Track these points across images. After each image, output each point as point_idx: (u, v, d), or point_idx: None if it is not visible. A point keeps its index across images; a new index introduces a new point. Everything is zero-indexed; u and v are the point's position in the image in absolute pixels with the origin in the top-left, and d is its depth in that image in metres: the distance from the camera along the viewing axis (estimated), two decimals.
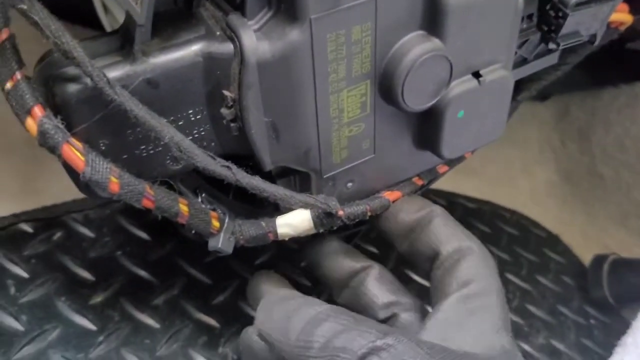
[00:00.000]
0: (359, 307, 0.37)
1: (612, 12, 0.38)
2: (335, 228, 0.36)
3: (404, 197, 0.39)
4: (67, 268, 0.48)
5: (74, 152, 0.28)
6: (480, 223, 0.74)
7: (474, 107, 0.35)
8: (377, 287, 0.37)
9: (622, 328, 0.54)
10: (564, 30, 0.36)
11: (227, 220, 0.35)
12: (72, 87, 0.28)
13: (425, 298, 0.37)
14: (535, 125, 0.87)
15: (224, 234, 0.34)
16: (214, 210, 0.35)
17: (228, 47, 0.29)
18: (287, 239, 0.36)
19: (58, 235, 0.51)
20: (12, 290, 0.46)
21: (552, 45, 0.37)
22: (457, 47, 0.32)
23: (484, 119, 0.36)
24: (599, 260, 0.73)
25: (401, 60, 0.32)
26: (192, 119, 0.31)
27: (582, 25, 0.36)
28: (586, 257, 0.77)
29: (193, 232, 0.34)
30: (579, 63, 0.45)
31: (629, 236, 0.79)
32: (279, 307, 0.33)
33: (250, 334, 0.34)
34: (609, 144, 0.80)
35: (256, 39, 0.29)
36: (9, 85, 0.27)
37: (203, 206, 0.34)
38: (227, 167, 0.31)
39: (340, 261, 0.38)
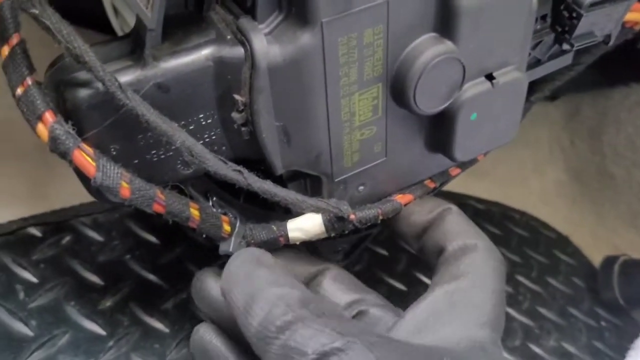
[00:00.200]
0: None
1: (626, 12, 0.37)
2: (347, 232, 0.36)
3: (417, 200, 0.38)
4: (76, 272, 0.48)
5: (85, 157, 0.27)
6: (490, 224, 0.74)
7: (487, 109, 0.35)
8: (335, 287, 0.35)
9: (633, 330, 0.54)
10: (578, 31, 0.35)
11: (238, 224, 0.34)
12: (83, 93, 0.27)
13: None
14: (546, 125, 0.86)
15: (235, 238, 0.34)
16: (224, 214, 0.34)
17: (239, 51, 0.29)
18: (298, 243, 0.36)
19: (67, 239, 0.51)
20: (22, 295, 0.46)
21: (566, 46, 0.37)
22: (470, 49, 0.32)
23: (497, 121, 0.36)
24: (609, 261, 0.73)
25: (413, 63, 0.31)
26: (203, 123, 0.31)
27: (597, 25, 0.36)
28: (596, 258, 0.76)
29: (204, 236, 0.34)
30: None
31: (639, 237, 0.78)
32: (245, 281, 0.29)
33: (202, 333, 0.33)
34: (619, 143, 0.79)
35: (267, 43, 0.29)
36: (19, 90, 0.27)
37: (214, 210, 0.34)
38: (239, 171, 0.30)
39: (293, 268, 0.36)
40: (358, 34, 0.30)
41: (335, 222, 0.35)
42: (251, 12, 0.29)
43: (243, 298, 0.28)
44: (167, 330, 0.47)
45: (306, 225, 0.35)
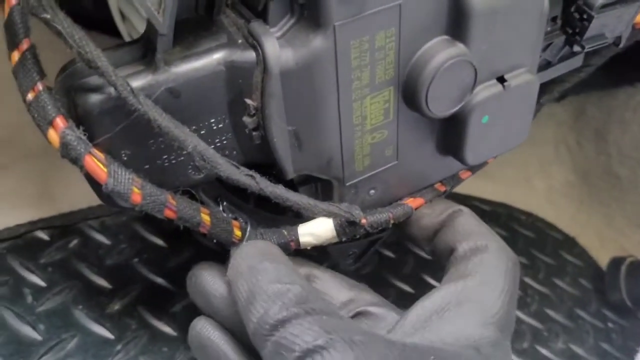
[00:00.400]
0: None
1: (637, 13, 0.37)
2: (358, 236, 0.36)
3: (427, 203, 0.38)
4: (84, 276, 0.48)
5: (97, 163, 0.27)
6: (496, 226, 0.73)
7: (499, 112, 0.34)
8: (329, 286, 0.35)
9: None
10: (589, 32, 0.35)
11: (249, 229, 0.34)
12: (95, 98, 0.27)
13: None
14: (551, 126, 0.86)
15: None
16: (235, 219, 0.34)
17: (250, 55, 0.29)
18: (309, 247, 0.35)
19: (74, 242, 0.50)
20: (30, 299, 0.45)
21: (576, 48, 0.36)
22: (481, 51, 0.32)
23: (508, 124, 0.36)
24: (616, 262, 0.72)
25: (425, 66, 0.31)
26: (214, 127, 0.31)
27: (607, 27, 0.36)
28: (602, 259, 0.76)
29: (214, 241, 0.33)
30: None
31: None
32: (248, 275, 0.30)
33: (200, 329, 0.33)
34: (625, 143, 0.79)
35: (279, 47, 0.28)
36: (30, 96, 0.27)
37: (225, 215, 0.33)
38: (251, 176, 0.30)
39: None
40: (370, 37, 0.29)
41: (346, 226, 0.34)
42: (263, 16, 0.29)
43: (245, 293, 0.29)
44: (175, 333, 0.47)
45: (317, 229, 0.35)
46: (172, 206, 0.30)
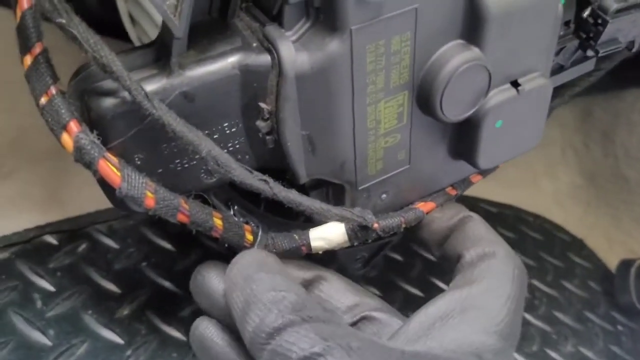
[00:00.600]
0: None
1: None
2: (369, 241, 0.35)
3: (438, 207, 0.38)
4: (93, 280, 0.48)
5: (110, 167, 0.27)
6: (503, 228, 0.73)
7: (512, 116, 0.34)
8: (334, 290, 0.34)
9: None
10: (603, 37, 0.35)
11: (260, 233, 0.34)
12: (108, 102, 0.27)
13: None
14: (558, 128, 0.86)
15: (258, 247, 0.34)
16: (246, 223, 0.34)
17: (265, 59, 0.29)
18: (320, 252, 0.35)
19: (83, 247, 0.50)
20: (39, 304, 0.45)
21: (590, 53, 0.36)
22: (496, 55, 0.32)
23: (521, 128, 0.35)
24: (625, 265, 0.72)
25: (440, 71, 0.31)
26: (227, 132, 0.31)
27: (621, 32, 0.36)
28: (611, 261, 0.76)
29: (226, 245, 0.33)
30: None
31: None
32: (243, 285, 0.29)
33: (202, 330, 0.33)
34: (632, 145, 0.79)
35: (294, 51, 0.28)
36: (43, 100, 0.26)
37: (237, 220, 0.33)
38: (264, 180, 0.30)
39: (291, 272, 0.35)
40: (386, 41, 0.29)
41: (358, 231, 0.34)
42: (278, 20, 0.29)
43: (241, 303, 0.28)
44: (184, 338, 0.46)
45: (329, 234, 0.34)
46: (184, 210, 0.30)
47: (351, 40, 0.28)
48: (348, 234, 0.34)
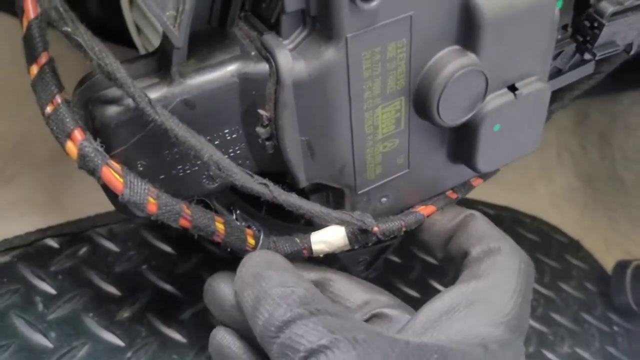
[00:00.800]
0: None
1: None
2: (370, 244, 0.36)
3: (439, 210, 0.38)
4: (94, 283, 0.48)
5: (113, 174, 0.27)
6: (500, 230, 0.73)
7: (510, 120, 0.35)
8: (347, 288, 0.35)
9: None
10: (600, 40, 0.35)
11: (262, 237, 0.34)
12: (112, 110, 0.28)
13: None
14: (554, 130, 0.86)
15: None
16: (248, 227, 0.34)
17: (263, 67, 0.29)
18: (321, 255, 0.36)
19: (83, 250, 0.51)
20: (40, 307, 0.46)
21: (587, 56, 0.37)
22: (492, 60, 0.32)
23: (520, 132, 0.36)
24: (622, 266, 0.72)
25: (436, 76, 0.31)
26: (228, 138, 0.31)
27: (619, 35, 0.36)
28: (608, 263, 0.76)
29: (228, 250, 0.34)
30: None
31: None
32: (253, 283, 0.30)
33: (220, 338, 0.34)
34: (629, 147, 0.79)
35: (292, 59, 0.29)
36: (49, 109, 0.27)
37: (238, 224, 0.34)
38: (265, 184, 0.30)
39: (303, 272, 0.35)
40: (382, 48, 0.30)
41: (358, 234, 0.35)
42: (275, 28, 0.29)
43: (251, 300, 0.29)
44: (184, 340, 0.47)
45: (330, 237, 0.35)
46: (186, 215, 0.30)
47: (347, 48, 0.28)
48: (348, 237, 0.35)
